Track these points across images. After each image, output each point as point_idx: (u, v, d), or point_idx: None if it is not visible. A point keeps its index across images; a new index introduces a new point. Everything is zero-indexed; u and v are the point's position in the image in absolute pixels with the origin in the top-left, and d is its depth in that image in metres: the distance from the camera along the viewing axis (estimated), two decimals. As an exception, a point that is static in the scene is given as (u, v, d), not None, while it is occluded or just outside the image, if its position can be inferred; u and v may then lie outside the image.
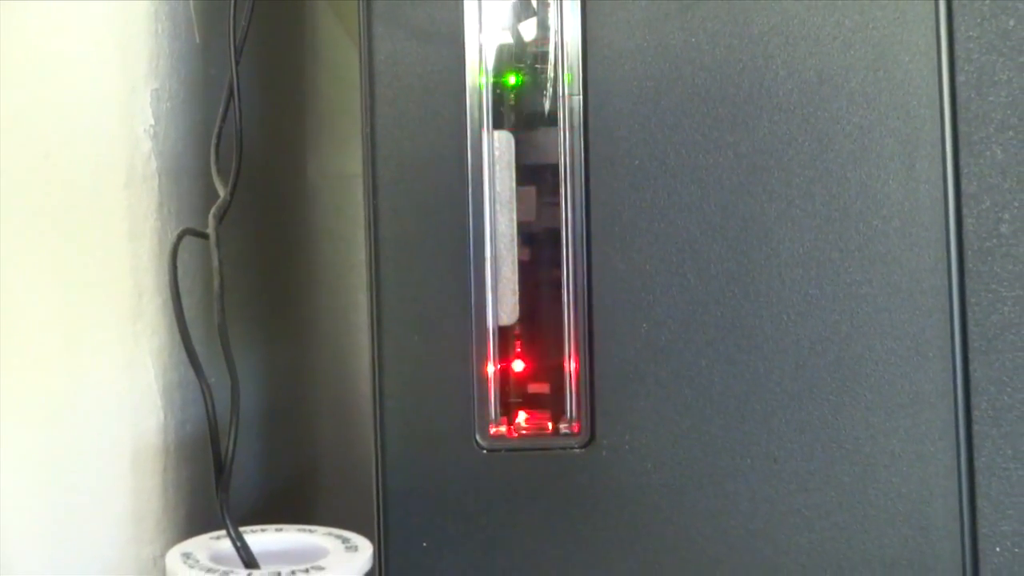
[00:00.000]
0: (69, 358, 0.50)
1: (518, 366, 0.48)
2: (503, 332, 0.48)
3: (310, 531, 0.46)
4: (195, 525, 0.53)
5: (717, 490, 0.46)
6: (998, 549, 0.46)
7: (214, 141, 0.48)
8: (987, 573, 0.45)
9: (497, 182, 0.48)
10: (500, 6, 0.48)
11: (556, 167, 0.48)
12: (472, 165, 0.47)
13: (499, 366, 0.48)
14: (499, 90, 0.48)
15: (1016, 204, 0.46)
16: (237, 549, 0.43)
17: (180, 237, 0.45)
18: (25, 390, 0.48)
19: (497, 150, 0.48)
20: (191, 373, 0.46)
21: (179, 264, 0.44)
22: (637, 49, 0.47)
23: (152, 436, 0.53)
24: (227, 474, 0.44)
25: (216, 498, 0.44)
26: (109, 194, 0.51)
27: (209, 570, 0.42)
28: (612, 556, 0.46)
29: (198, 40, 0.57)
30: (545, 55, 0.48)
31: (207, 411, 0.44)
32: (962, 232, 0.46)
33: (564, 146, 0.47)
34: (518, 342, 0.48)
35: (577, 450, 0.47)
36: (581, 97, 0.47)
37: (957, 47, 0.46)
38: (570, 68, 0.47)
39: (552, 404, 0.48)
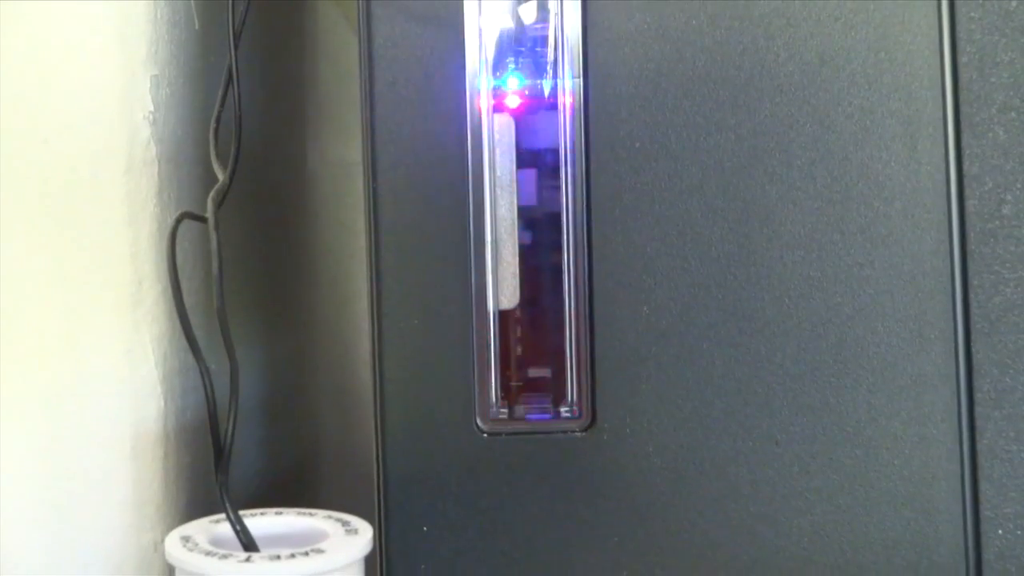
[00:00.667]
0: (69, 345, 0.50)
1: (519, 350, 0.48)
2: (504, 316, 0.48)
3: (310, 514, 0.46)
4: (196, 512, 0.53)
5: (718, 473, 0.46)
6: (1000, 531, 0.45)
7: (213, 125, 0.48)
8: (989, 555, 0.45)
9: (497, 166, 0.47)
10: (500, -11, 0.48)
11: (556, 150, 0.47)
12: (472, 149, 0.47)
13: (500, 350, 0.47)
14: (499, 73, 0.48)
15: (1018, 185, 0.45)
16: (236, 532, 0.43)
17: (179, 220, 0.46)
18: (25, 378, 0.48)
19: (497, 134, 0.47)
20: (191, 360, 0.46)
21: (179, 251, 0.44)
22: (637, 31, 0.47)
23: (152, 423, 0.53)
24: (226, 456, 0.44)
25: (216, 483, 0.44)
26: (108, 180, 0.51)
27: (208, 553, 0.42)
28: (613, 539, 0.46)
29: (197, 26, 0.57)
30: (545, 38, 0.48)
31: (206, 394, 0.44)
32: (964, 213, 0.46)
33: (564, 129, 0.47)
34: (519, 326, 0.48)
35: (578, 434, 0.47)
36: (581, 80, 0.47)
37: (959, 28, 0.46)
38: (570, 51, 0.47)
39: (553, 388, 0.48)
